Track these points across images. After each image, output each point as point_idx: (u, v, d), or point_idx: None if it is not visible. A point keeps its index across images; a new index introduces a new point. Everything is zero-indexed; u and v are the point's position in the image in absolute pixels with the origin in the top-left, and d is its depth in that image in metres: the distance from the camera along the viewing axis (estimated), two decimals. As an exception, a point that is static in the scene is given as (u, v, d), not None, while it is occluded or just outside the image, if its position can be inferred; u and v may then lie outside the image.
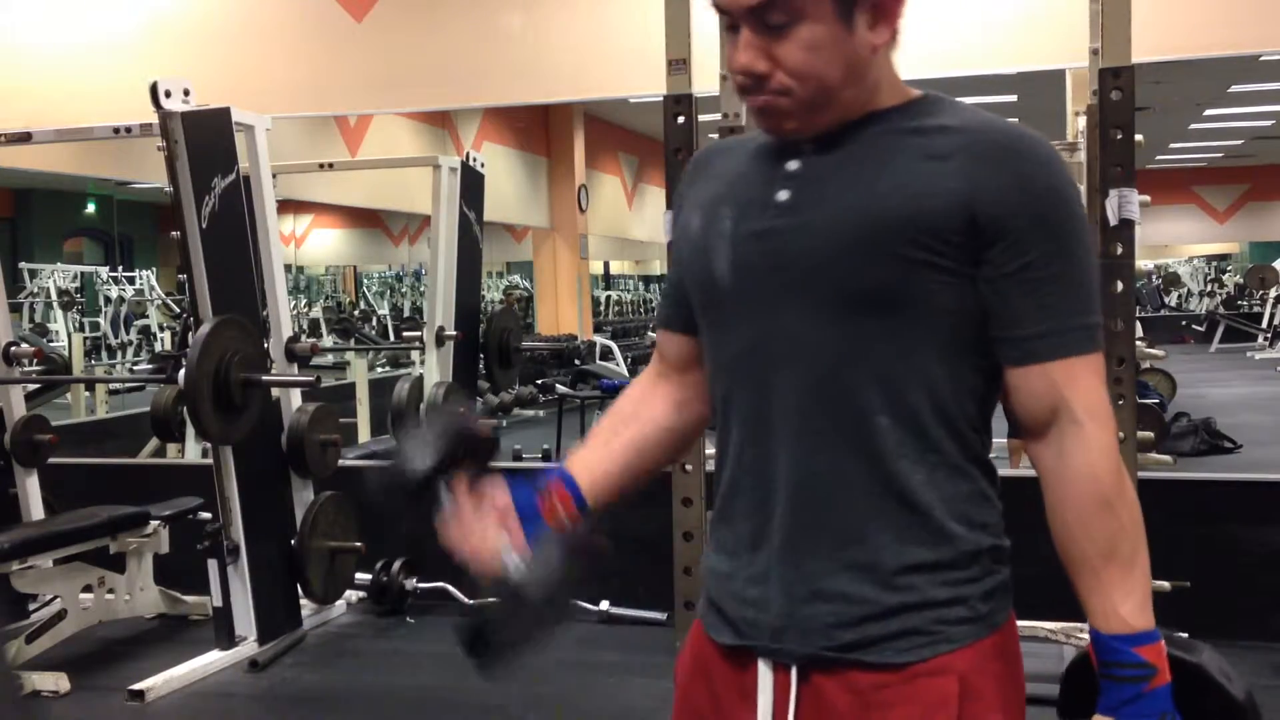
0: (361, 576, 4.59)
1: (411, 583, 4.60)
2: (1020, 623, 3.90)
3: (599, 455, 1.38)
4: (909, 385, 1.19)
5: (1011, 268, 1.17)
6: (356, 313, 16.14)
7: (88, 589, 4.10)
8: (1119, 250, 2.96)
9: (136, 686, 3.75)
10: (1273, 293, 15.62)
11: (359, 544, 4.46)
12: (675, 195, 1.40)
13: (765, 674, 1.24)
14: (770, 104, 1.20)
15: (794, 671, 1.22)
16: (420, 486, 1.23)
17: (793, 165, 1.24)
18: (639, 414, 1.40)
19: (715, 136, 3.09)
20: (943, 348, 1.19)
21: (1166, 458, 3.86)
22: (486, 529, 1.25)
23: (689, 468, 3.17)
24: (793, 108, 1.19)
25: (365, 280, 18.97)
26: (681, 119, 3.05)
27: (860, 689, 1.19)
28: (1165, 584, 3.31)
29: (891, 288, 1.17)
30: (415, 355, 7.92)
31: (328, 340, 13.20)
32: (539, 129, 12.97)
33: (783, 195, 1.23)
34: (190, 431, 5.83)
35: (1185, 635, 1.26)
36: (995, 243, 1.16)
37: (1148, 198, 3.08)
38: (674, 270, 1.38)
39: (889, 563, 1.19)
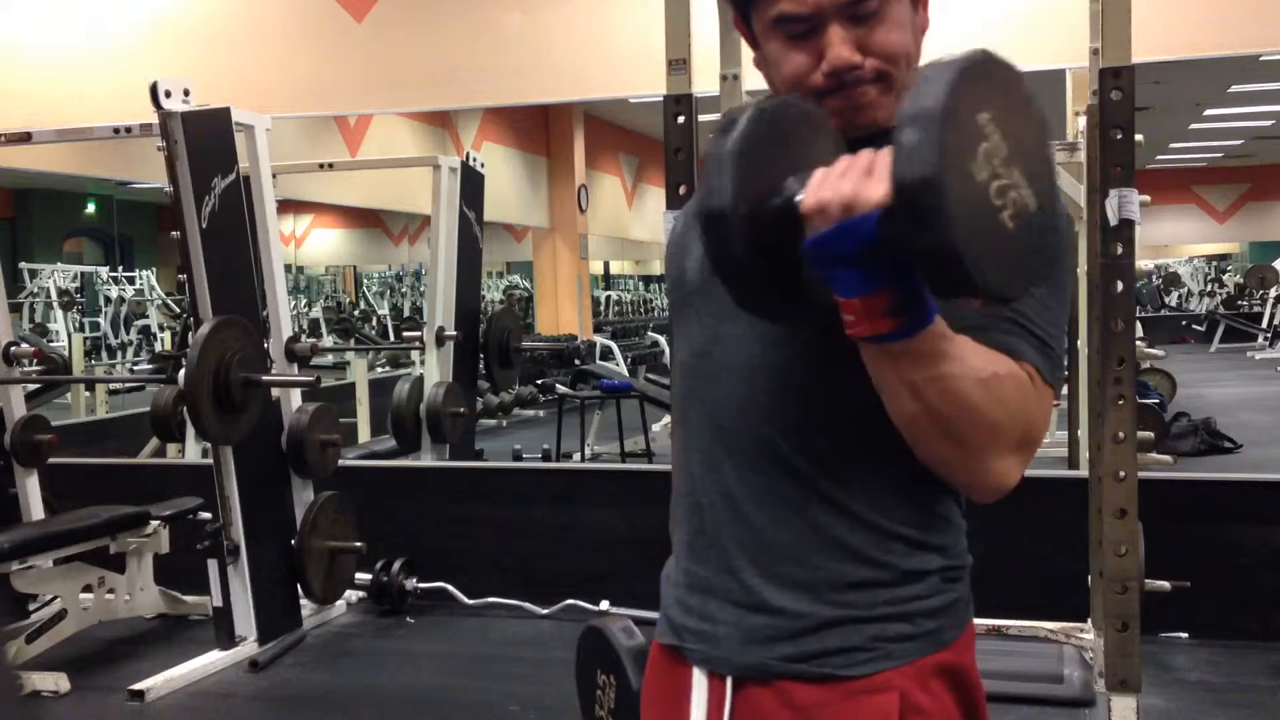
0: (361, 576, 4.59)
1: (411, 583, 4.60)
2: (1020, 622, 3.89)
3: None
4: (867, 409, 1.15)
5: None
6: (356, 313, 16.15)
7: (88, 589, 4.09)
8: (1119, 250, 2.96)
9: (136, 686, 3.75)
10: (1273, 293, 15.62)
11: (359, 544, 4.46)
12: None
13: (700, 681, 1.22)
14: (863, 95, 1.16)
15: (729, 682, 1.20)
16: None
17: None
18: None
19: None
20: None
21: (1166, 458, 3.86)
22: None
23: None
24: (882, 96, 1.16)
25: (365, 280, 18.98)
26: (681, 119, 3.05)
27: (800, 705, 1.17)
28: (1165, 584, 3.31)
29: None
30: (415, 355, 7.93)
31: (328, 340, 13.21)
32: (539, 129, 12.96)
33: None
34: (190, 431, 5.83)
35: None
36: None
37: (1148, 198, 3.08)
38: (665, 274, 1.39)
39: (827, 580, 1.17)
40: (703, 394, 1.23)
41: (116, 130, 4.32)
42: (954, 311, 1.08)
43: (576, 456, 7.38)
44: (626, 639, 1.40)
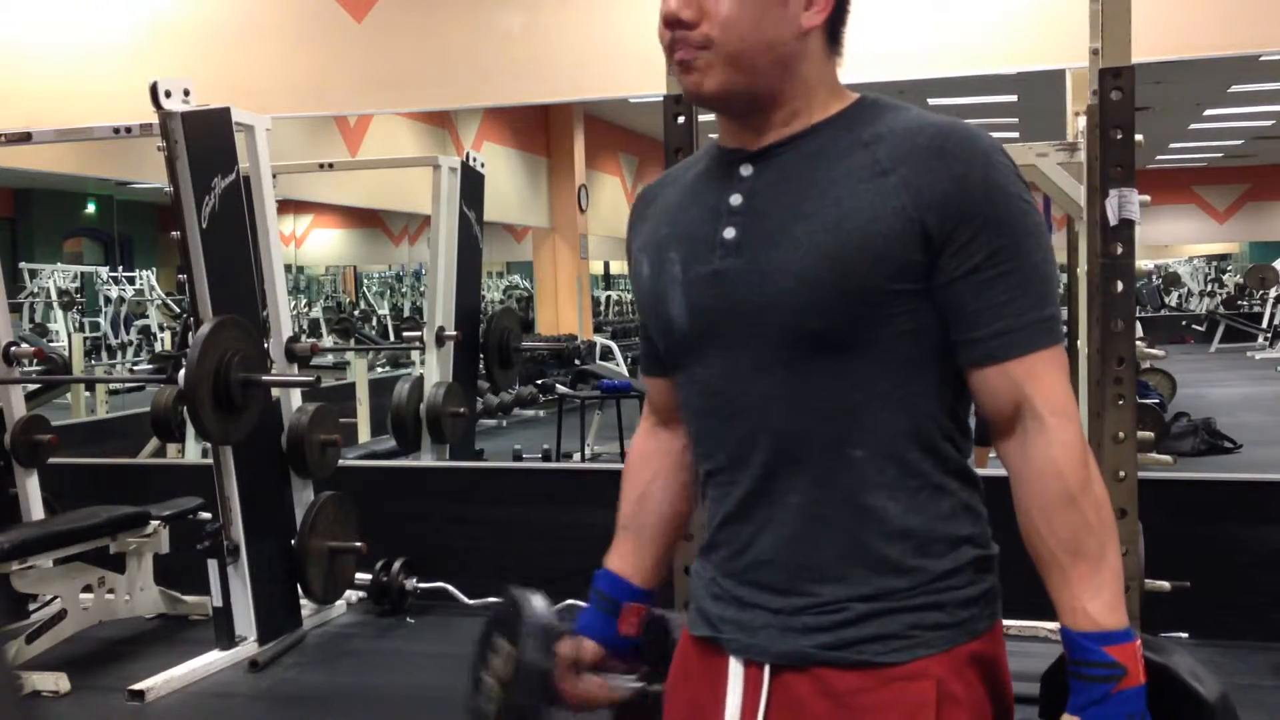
0: (361, 576, 4.58)
1: (411, 583, 4.60)
2: (1020, 623, 3.89)
3: (637, 547, 1.44)
4: (878, 413, 1.18)
5: (960, 271, 1.15)
6: (356, 313, 16.16)
7: (88, 589, 4.10)
8: (1119, 250, 2.96)
9: (136, 686, 3.75)
10: (1273, 293, 15.62)
11: (359, 544, 4.46)
12: (626, 238, 1.39)
13: (736, 670, 1.24)
14: (691, 58, 1.19)
15: (766, 670, 1.22)
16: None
17: (735, 199, 1.23)
18: (652, 490, 1.44)
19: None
20: (907, 368, 1.18)
21: (1166, 458, 3.86)
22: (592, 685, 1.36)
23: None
24: (713, 62, 1.19)
25: (365, 280, 18.98)
26: (681, 119, 3.05)
27: (837, 692, 1.18)
28: (1165, 584, 3.31)
29: (851, 325, 1.16)
30: (415, 355, 7.94)
31: (328, 340, 13.21)
32: (539, 129, 12.96)
33: (729, 233, 1.22)
34: (190, 431, 5.83)
35: (1158, 636, 1.26)
36: (944, 249, 1.15)
37: (1148, 198, 3.08)
38: (642, 315, 1.37)
39: (866, 591, 1.18)
40: (725, 432, 1.24)
41: (116, 130, 4.32)
42: (971, 333, 1.17)
43: (576, 456, 7.38)
44: (538, 614, 1.38)
